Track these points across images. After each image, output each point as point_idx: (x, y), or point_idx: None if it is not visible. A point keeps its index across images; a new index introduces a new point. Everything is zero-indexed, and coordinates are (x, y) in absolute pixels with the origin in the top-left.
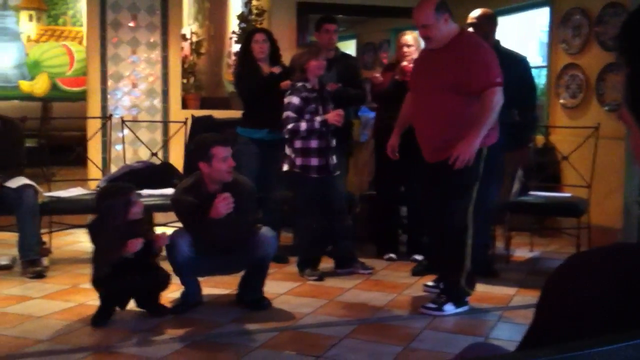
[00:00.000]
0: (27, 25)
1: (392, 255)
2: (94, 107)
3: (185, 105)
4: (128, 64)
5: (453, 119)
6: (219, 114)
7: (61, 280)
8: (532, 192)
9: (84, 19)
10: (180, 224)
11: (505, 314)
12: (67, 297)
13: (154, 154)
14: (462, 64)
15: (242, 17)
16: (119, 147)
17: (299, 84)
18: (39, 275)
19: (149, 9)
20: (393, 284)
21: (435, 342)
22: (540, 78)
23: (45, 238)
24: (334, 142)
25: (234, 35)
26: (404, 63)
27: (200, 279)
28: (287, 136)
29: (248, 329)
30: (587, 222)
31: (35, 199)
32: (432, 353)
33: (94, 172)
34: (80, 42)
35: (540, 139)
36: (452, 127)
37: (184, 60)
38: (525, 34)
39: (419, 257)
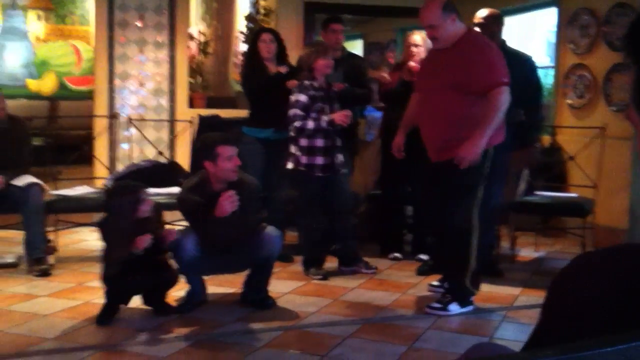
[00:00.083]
0: (34, 24)
1: (397, 255)
2: (101, 106)
3: (191, 105)
4: (135, 63)
5: (459, 119)
6: (225, 113)
7: (67, 278)
8: (537, 192)
9: (91, 18)
10: (185, 223)
11: (510, 314)
12: (72, 295)
13: (161, 153)
14: (469, 63)
15: (249, 17)
16: (125, 146)
17: (306, 82)
18: (45, 274)
19: (156, 9)
20: (398, 284)
21: (440, 341)
22: (547, 78)
23: (51, 236)
24: (339, 141)
25: (241, 35)
26: (412, 63)
27: (204, 277)
28: (293, 134)
29: (253, 328)
30: (592, 223)
31: (42, 197)
32: (437, 353)
33: (101, 170)
34: (87, 42)
35: (546, 139)
36: (458, 127)
37: (191, 59)
38: (532, 34)
39: (424, 257)
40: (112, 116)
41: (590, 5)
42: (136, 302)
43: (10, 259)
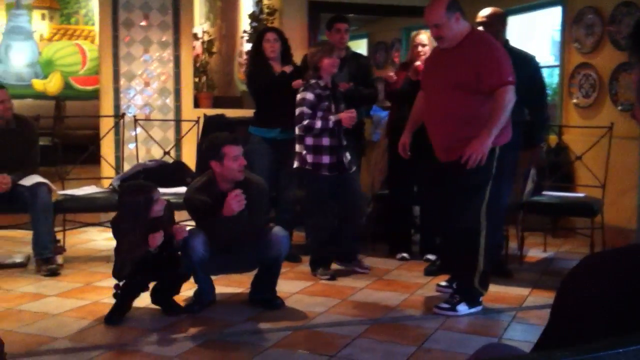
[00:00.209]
0: (40, 24)
1: (405, 255)
2: (106, 106)
3: (197, 104)
4: (140, 63)
5: (465, 118)
6: (231, 112)
7: (75, 278)
8: (545, 192)
9: (96, 18)
10: (193, 223)
11: (519, 314)
12: (81, 295)
13: (167, 153)
14: (474, 62)
15: (253, 16)
16: (131, 146)
17: (313, 81)
18: (53, 273)
19: (161, 8)
20: (406, 284)
21: (449, 342)
22: (552, 77)
23: (59, 236)
24: (345, 140)
25: (246, 35)
26: (418, 63)
27: (212, 277)
28: (300, 132)
29: (261, 328)
30: (601, 223)
31: (49, 197)
32: (446, 353)
33: (107, 170)
34: (92, 41)
35: (553, 139)
36: (464, 126)
37: (195, 59)
38: (537, 33)
39: (431, 257)
40: (119, 116)
41: (596, 4)
42: (145, 301)
43: (18, 259)
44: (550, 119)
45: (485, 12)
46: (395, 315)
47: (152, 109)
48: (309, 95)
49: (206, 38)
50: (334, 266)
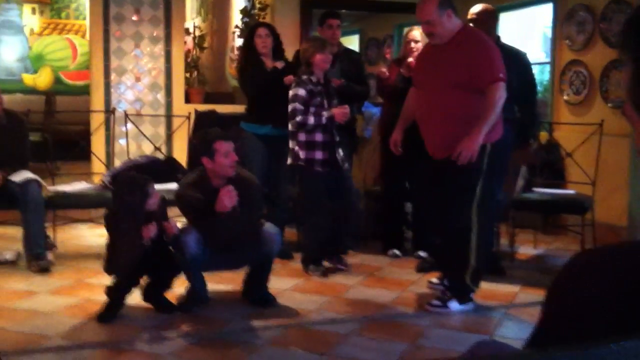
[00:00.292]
0: (30, 18)
1: (397, 252)
2: (97, 101)
3: (188, 100)
4: (131, 58)
5: (457, 115)
6: (222, 108)
7: (66, 274)
8: (536, 189)
9: (87, 12)
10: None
11: (510, 311)
12: (72, 292)
13: (157, 148)
14: (466, 59)
15: (245, 12)
16: (122, 141)
17: (305, 77)
18: (44, 270)
19: (152, 3)
20: (398, 281)
21: (441, 339)
22: (543, 74)
23: (49, 232)
24: (338, 137)
25: (237, 30)
26: (410, 59)
27: (204, 274)
28: (293, 129)
29: (254, 326)
30: (591, 220)
31: (40, 193)
32: (439, 350)
33: (98, 166)
34: (83, 36)
35: (544, 136)
36: (456, 123)
37: (187, 54)
38: (529, 30)
39: (423, 254)
40: (109, 111)
41: (587, 2)
42: (138, 299)
43: (9, 256)
44: (541, 116)
45: (476, 8)
46: (387, 312)
47: (142, 104)
48: (301, 92)
49: (197, 33)
50: (330, 265)
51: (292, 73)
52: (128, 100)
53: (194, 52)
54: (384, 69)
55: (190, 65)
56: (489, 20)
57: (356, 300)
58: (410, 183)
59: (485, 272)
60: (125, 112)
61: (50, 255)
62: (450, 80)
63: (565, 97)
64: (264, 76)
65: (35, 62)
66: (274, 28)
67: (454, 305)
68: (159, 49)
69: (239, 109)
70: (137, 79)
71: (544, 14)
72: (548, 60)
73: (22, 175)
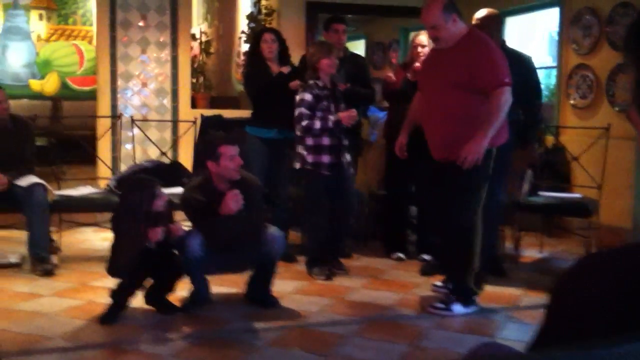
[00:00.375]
0: (37, 24)
1: (401, 255)
2: (103, 106)
3: (194, 105)
4: (138, 63)
5: (461, 118)
6: (228, 113)
7: (70, 278)
8: (541, 192)
9: (93, 18)
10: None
11: (514, 314)
12: (76, 294)
13: (164, 153)
14: (471, 63)
15: (251, 17)
16: (128, 146)
17: (311, 82)
18: (48, 273)
19: (158, 9)
20: (401, 283)
21: (444, 341)
22: (550, 78)
23: (54, 236)
24: (345, 140)
25: (243, 35)
26: (417, 64)
27: (208, 277)
28: (299, 133)
29: (256, 327)
30: (597, 223)
31: (45, 197)
32: (440, 352)
33: (104, 170)
34: (90, 42)
35: (550, 139)
36: (461, 126)
37: (193, 59)
38: (535, 34)
39: (427, 257)
40: (116, 116)
41: (593, 5)
42: (140, 301)
43: (13, 259)
44: (545, 120)
45: (480, 14)
46: (390, 314)
47: (149, 109)
48: (307, 96)
49: (204, 39)
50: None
51: (298, 78)
52: (134, 105)
53: (200, 57)
54: (391, 74)
55: (197, 70)
56: (492, 25)
57: (359, 302)
58: (415, 186)
59: (487, 274)
60: (131, 117)
61: (54, 259)
62: (450, 80)
63: (571, 101)
64: (270, 81)
65: (42, 67)
66: (280, 33)
67: (457, 307)
68: (166, 54)
69: (244, 113)
70: (144, 85)
71: (551, 18)
72: (554, 64)
73: (28, 180)
